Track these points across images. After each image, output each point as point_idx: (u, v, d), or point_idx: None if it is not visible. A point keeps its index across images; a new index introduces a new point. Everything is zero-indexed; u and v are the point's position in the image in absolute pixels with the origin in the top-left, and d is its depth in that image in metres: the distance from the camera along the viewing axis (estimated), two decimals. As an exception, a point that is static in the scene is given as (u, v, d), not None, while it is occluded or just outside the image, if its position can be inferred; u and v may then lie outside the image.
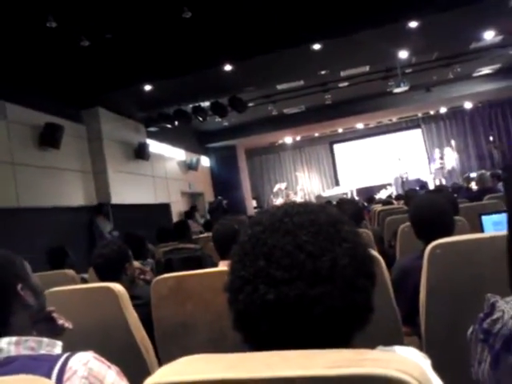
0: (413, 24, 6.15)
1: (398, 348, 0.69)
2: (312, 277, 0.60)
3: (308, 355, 0.55)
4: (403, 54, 7.62)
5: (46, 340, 0.90)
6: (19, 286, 0.95)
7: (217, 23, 5.90)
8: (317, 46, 6.41)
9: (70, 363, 0.82)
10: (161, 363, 1.84)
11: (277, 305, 0.60)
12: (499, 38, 7.78)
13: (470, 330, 0.89)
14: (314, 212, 0.68)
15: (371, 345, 0.64)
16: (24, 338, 0.87)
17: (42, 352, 0.88)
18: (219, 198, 11.64)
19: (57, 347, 0.91)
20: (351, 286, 0.62)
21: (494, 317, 0.79)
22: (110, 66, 6.48)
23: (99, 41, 5.68)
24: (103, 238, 6.57)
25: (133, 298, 1.81)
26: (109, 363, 0.87)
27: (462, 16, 6.23)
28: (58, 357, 0.84)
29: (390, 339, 0.91)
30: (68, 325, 1.09)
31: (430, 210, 1.68)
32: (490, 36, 7.40)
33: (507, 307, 0.79)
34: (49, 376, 0.79)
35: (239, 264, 0.65)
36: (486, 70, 10.23)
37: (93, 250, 2.09)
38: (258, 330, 0.63)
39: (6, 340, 0.86)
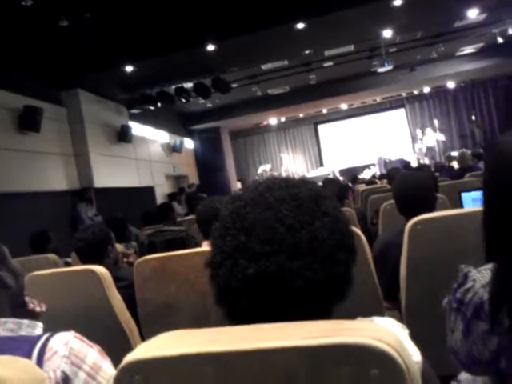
0: (397, 2, 6.12)
1: (376, 319, 0.70)
2: (292, 250, 0.61)
3: (285, 327, 0.56)
4: (387, 33, 7.59)
5: (25, 321, 0.89)
6: None
7: (201, 1, 5.78)
8: (301, 25, 6.34)
9: (51, 343, 0.81)
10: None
11: (257, 278, 0.60)
12: (483, 16, 7.79)
13: (446, 300, 0.91)
14: (296, 186, 0.68)
15: (352, 319, 0.65)
16: (3, 319, 0.86)
17: (22, 333, 0.87)
18: (191, 182, 11.51)
19: (37, 329, 0.90)
20: (331, 260, 0.62)
21: (467, 286, 0.81)
22: (89, 47, 6.31)
23: (78, 20, 5.51)
24: (83, 223, 6.50)
25: (116, 279, 1.81)
26: (90, 342, 0.87)
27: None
28: (38, 337, 0.84)
29: (371, 314, 0.93)
30: (40, 308, 1.07)
31: (412, 185, 1.71)
32: (473, 14, 7.39)
33: (479, 276, 0.81)
34: (29, 356, 0.79)
35: (220, 239, 0.65)
36: (469, 49, 10.27)
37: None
38: (238, 305, 0.63)
39: None
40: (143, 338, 1.82)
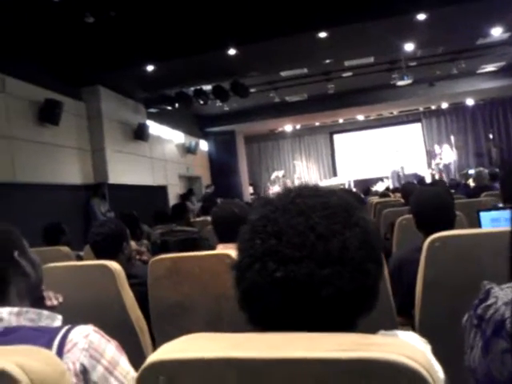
0: (421, 16, 6.09)
1: (399, 333, 0.70)
2: (322, 257, 0.60)
3: (313, 337, 0.55)
4: (409, 47, 7.56)
5: (45, 312, 0.90)
6: (16, 253, 0.95)
7: (224, 5, 5.82)
8: (323, 34, 6.35)
9: (71, 336, 0.82)
10: (155, 343, 1.85)
11: (285, 283, 0.60)
12: (507, 34, 7.73)
13: (465, 317, 0.90)
14: (327, 195, 0.68)
15: (369, 332, 0.65)
16: (25, 309, 0.87)
17: (42, 324, 0.88)
18: (209, 184, 11.60)
19: (56, 320, 0.91)
20: (360, 270, 0.62)
21: (488, 302, 0.80)
22: (113, 44, 6.39)
23: (104, 18, 5.59)
24: (97, 218, 6.56)
25: (129, 276, 1.81)
26: (108, 337, 0.88)
27: (470, 11, 6.17)
28: (59, 329, 0.85)
29: (385, 328, 0.92)
30: (56, 302, 1.09)
31: (433, 201, 1.69)
32: (497, 33, 7.34)
33: (502, 293, 0.80)
34: (49, 347, 0.79)
35: (249, 242, 0.65)
36: (490, 68, 10.18)
37: (88, 230, 2.08)
38: (264, 309, 0.63)
39: (7, 310, 0.86)
40: (153, 336, 1.82)
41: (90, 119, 7.34)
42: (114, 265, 1.77)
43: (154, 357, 0.57)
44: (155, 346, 1.85)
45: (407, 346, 0.54)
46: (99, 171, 7.32)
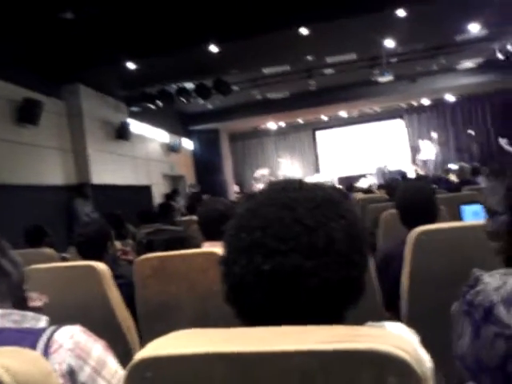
0: (400, 13, 6.16)
1: (387, 324, 0.71)
2: (308, 249, 0.61)
3: (302, 330, 0.56)
4: (389, 43, 7.64)
5: (30, 314, 0.89)
6: None
7: (205, 2, 5.79)
8: (304, 31, 6.37)
9: (56, 336, 0.81)
10: (143, 343, 1.84)
11: (272, 275, 0.60)
12: (484, 31, 7.86)
13: (454, 305, 0.91)
14: (312, 189, 0.68)
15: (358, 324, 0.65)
16: (8, 310, 0.86)
17: (26, 325, 0.87)
18: (192, 183, 11.60)
19: (41, 322, 0.89)
20: (346, 261, 0.63)
21: (477, 289, 0.81)
22: (93, 42, 6.29)
23: (83, 14, 5.51)
24: (80, 219, 6.47)
25: (115, 277, 1.80)
26: (95, 337, 0.87)
27: (448, 7, 6.26)
28: (43, 330, 0.84)
29: (372, 321, 0.93)
30: (40, 303, 1.07)
31: (417, 196, 1.72)
32: (475, 29, 7.47)
33: (490, 279, 0.81)
34: (34, 348, 0.78)
35: (235, 237, 0.66)
36: (469, 64, 10.34)
37: (71, 231, 2.06)
38: (251, 303, 0.63)
39: None
40: (141, 336, 1.81)
41: (70, 118, 7.22)
42: (99, 265, 1.75)
43: (141, 354, 0.56)
44: (143, 345, 1.84)
45: (395, 337, 0.55)
46: (81, 171, 7.22)
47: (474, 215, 2.34)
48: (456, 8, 6.34)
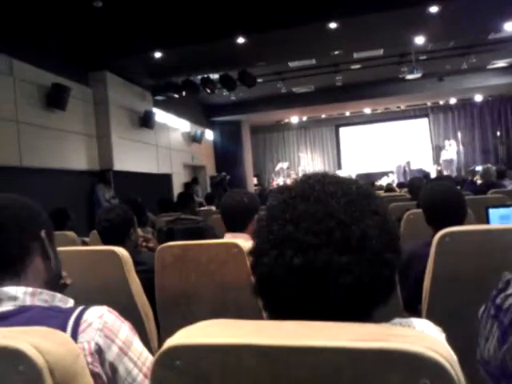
0: (433, 9, 6.01)
1: (414, 320, 0.69)
2: (341, 245, 0.60)
3: (333, 326, 0.55)
4: (419, 40, 7.47)
5: (59, 295, 0.90)
6: (43, 232, 0.94)
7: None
8: (333, 25, 6.28)
9: (86, 316, 0.83)
10: (160, 330, 1.86)
11: (303, 270, 0.59)
12: (519, 30, 7.62)
13: (482, 308, 0.89)
14: (346, 183, 0.67)
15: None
16: (39, 289, 0.87)
17: (56, 304, 0.88)
18: (223, 173, 11.63)
19: (69, 303, 0.91)
20: (379, 259, 0.61)
21: (508, 292, 0.79)
22: (121, 30, 6.35)
23: (112, 3, 5.55)
24: (101, 205, 6.58)
25: (136, 263, 1.81)
26: (122, 318, 0.88)
27: (483, 4, 6.09)
28: (73, 309, 0.85)
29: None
30: (69, 281, 1.08)
31: (444, 196, 1.67)
32: (510, 27, 7.23)
33: None
34: (64, 326, 0.80)
35: (266, 228, 0.65)
36: (501, 63, 10.07)
37: (91, 216, 2.08)
38: (280, 296, 0.62)
39: (22, 289, 0.86)
40: (158, 324, 1.83)
41: (96, 105, 7.32)
42: (121, 251, 1.77)
43: (171, 341, 0.56)
44: (160, 332, 1.86)
45: (429, 338, 0.53)
46: (105, 158, 7.32)
47: (501, 219, 2.28)
48: (492, 5, 6.15)
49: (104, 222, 1.96)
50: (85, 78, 7.18)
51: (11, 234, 0.88)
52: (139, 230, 2.40)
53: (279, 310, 0.63)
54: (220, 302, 1.66)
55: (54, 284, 0.95)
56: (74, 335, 0.79)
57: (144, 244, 2.38)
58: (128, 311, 1.85)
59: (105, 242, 2.02)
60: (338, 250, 0.59)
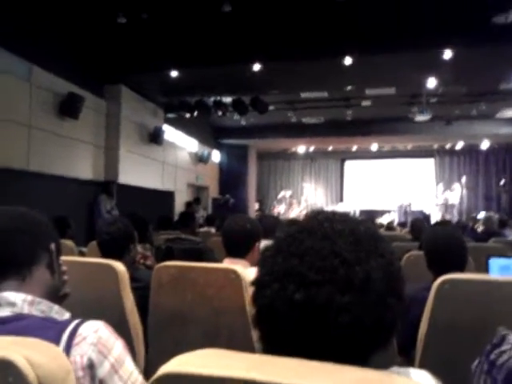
0: (447, 54, 6.13)
1: (412, 370, 0.68)
2: (344, 284, 0.60)
3: (334, 369, 0.54)
4: (431, 83, 7.60)
5: (56, 307, 0.90)
6: (53, 245, 0.96)
7: (254, 21, 5.92)
8: (348, 61, 6.40)
9: (81, 329, 0.82)
10: (148, 350, 1.83)
11: (304, 305, 0.59)
12: (530, 83, 7.76)
13: (476, 362, 0.88)
14: (355, 223, 0.68)
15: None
16: (38, 299, 0.87)
17: (51, 316, 0.88)
18: (227, 196, 11.65)
19: (65, 316, 0.91)
20: (381, 302, 0.61)
21: (502, 348, 0.78)
22: (140, 47, 6.50)
23: (135, 20, 5.70)
24: (101, 215, 6.58)
25: (133, 279, 1.80)
26: (116, 335, 0.87)
27: (496, 55, 6.22)
28: (69, 321, 0.85)
29: (385, 367, 0.90)
30: (68, 290, 1.09)
31: (447, 242, 1.67)
32: (520, 80, 7.37)
33: None
34: (58, 338, 0.79)
35: (271, 259, 0.65)
36: (509, 113, 10.19)
37: (91, 226, 2.08)
38: (279, 329, 0.62)
39: (21, 297, 0.86)
40: (147, 344, 1.80)
41: (108, 117, 7.42)
42: (119, 265, 1.76)
43: (166, 368, 0.56)
44: (148, 353, 1.83)
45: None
46: (110, 169, 7.37)
47: (501, 269, 2.27)
48: (503, 56, 6.28)
49: (105, 234, 1.96)
50: (100, 89, 7.30)
51: (26, 238, 0.93)
52: (139, 247, 2.39)
53: (275, 344, 0.62)
54: (213, 326, 1.64)
55: (54, 296, 0.96)
56: (68, 348, 0.79)
57: (142, 261, 2.37)
58: (118, 328, 1.83)
59: (103, 255, 2.01)
60: (340, 289, 0.59)
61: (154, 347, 1.81)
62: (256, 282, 0.66)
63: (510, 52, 6.12)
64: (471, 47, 5.99)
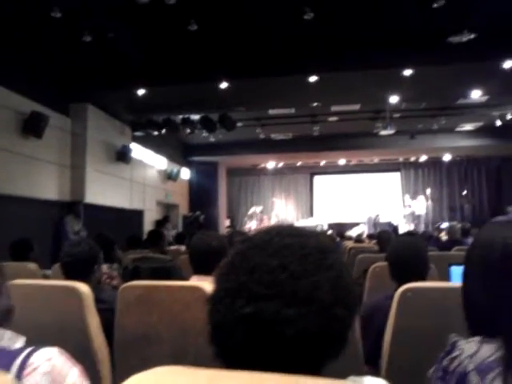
0: (407, 72, 6.39)
1: (368, 379, 0.70)
2: (290, 297, 0.61)
3: (286, 380, 0.55)
4: (394, 99, 7.88)
5: (8, 334, 0.87)
6: None
7: (220, 40, 5.99)
8: (313, 78, 6.57)
9: (32, 359, 0.80)
10: (115, 373, 1.78)
11: (252, 320, 0.60)
12: (485, 97, 8.14)
13: (432, 369, 0.90)
14: (306, 236, 0.69)
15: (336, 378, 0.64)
16: None
17: (3, 345, 0.85)
18: (197, 212, 11.57)
19: (18, 342, 0.88)
20: (328, 313, 0.62)
21: (453, 355, 0.81)
22: (107, 65, 6.46)
23: (101, 38, 5.67)
24: (68, 237, 6.40)
25: (98, 301, 1.77)
26: (73, 362, 0.85)
27: (454, 72, 6.52)
28: (21, 350, 0.82)
29: (352, 375, 0.92)
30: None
31: (408, 251, 1.72)
32: (476, 95, 7.74)
33: (467, 346, 0.81)
34: (8, 369, 0.77)
35: (224, 276, 0.66)
36: (468, 127, 10.65)
37: (57, 248, 2.03)
38: (230, 344, 0.62)
39: None
40: (114, 366, 1.75)
41: (74, 136, 7.28)
42: (82, 287, 1.72)
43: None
44: (115, 376, 1.78)
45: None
46: (77, 189, 7.20)
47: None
48: (461, 74, 6.60)
49: (67, 256, 1.91)
50: (65, 108, 7.17)
51: None
52: (104, 267, 2.34)
53: (229, 359, 0.63)
54: (180, 347, 1.62)
55: (2, 319, 0.92)
56: (19, 378, 0.76)
57: (108, 281, 2.32)
58: (83, 352, 1.78)
59: (67, 277, 1.96)
60: (286, 303, 0.60)
61: (121, 369, 1.76)
62: (210, 299, 0.67)
63: (467, 69, 6.43)
64: (430, 65, 6.26)
